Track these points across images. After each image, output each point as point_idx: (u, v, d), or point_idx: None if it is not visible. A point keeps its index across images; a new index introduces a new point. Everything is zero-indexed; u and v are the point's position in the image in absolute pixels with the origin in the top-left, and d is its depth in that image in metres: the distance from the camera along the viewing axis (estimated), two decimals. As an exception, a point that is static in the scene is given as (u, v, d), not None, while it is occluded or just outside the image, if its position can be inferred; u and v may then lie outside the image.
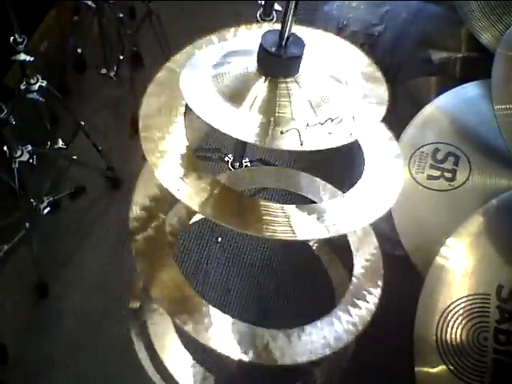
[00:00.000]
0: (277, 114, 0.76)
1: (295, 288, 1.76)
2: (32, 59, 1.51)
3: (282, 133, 0.74)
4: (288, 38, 0.74)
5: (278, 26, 0.76)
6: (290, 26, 0.73)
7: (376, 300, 0.99)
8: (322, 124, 0.76)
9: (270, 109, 0.76)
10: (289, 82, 0.77)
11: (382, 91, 0.83)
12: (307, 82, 0.78)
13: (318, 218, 0.81)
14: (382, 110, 0.81)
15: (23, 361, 1.62)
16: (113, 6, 1.98)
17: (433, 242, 1.16)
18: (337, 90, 0.81)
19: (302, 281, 1.75)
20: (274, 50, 0.74)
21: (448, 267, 1.10)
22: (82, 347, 1.65)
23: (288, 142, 0.74)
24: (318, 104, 0.78)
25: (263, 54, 0.75)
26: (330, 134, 0.76)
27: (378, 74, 0.86)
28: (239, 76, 0.78)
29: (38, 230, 1.75)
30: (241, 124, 0.75)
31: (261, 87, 0.77)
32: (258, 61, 0.77)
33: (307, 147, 0.75)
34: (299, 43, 0.76)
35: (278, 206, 0.80)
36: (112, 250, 1.82)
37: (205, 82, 0.78)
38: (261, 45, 0.75)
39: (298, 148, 0.74)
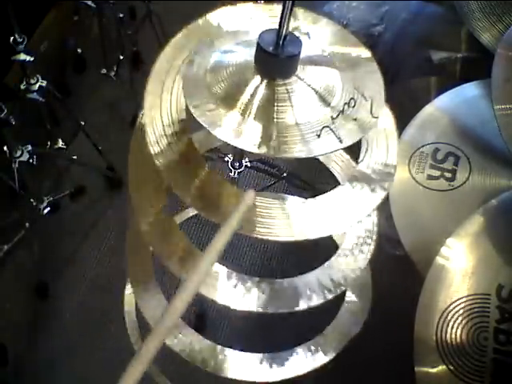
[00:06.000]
0: (276, 120, 0.74)
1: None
2: (32, 59, 1.51)
3: (318, 136, 0.73)
4: (285, 37, 0.74)
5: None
6: (288, 25, 0.72)
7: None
8: (342, 112, 0.75)
9: (269, 115, 0.75)
10: (287, 84, 0.76)
11: (372, 65, 0.82)
12: (305, 80, 0.78)
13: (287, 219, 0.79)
14: (381, 85, 0.80)
15: (23, 361, 1.62)
16: (113, 6, 1.98)
17: (433, 242, 1.16)
18: (334, 76, 0.80)
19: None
20: (271, 49, 0.74)
21: (448, 267, 1.10)
22: (81, 347, 1.66)
23: (326, 143, 0.73)
24: (321, 99, 0.77)
25: (261, 53, 0.75)
26: (355, 120, 0.75)
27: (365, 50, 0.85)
28: (237, 79, 0.78)
29: (38, 230, 1.75)
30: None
31: (260, 90, 0.76)
32: (256, 61, 0.77)
33: (346, 142, 0.73)
34: (296, 42, 0.75)
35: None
36: (112, 249, 1.82)
37: (204, 87, 0.77)
38: (258, 44, 0.75)
39: (339, 146, 0.72)
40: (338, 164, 1.11)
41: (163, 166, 0.78)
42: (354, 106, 0.76)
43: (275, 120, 0.74)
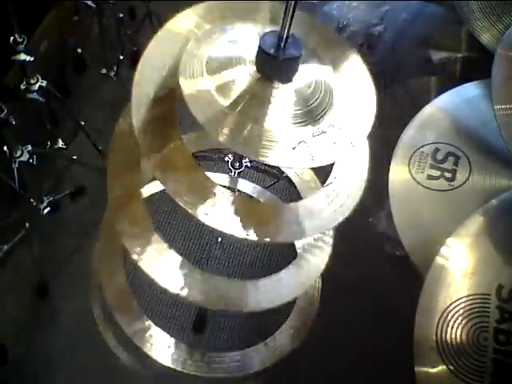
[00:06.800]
0: (265, 124, 0.75)
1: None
2: (32, 59, 1.51)
3: (293, 149, 0.73)
4: (287, 39, 0.73)
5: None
6: (289, 27, 0.72)
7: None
8: (325, 133, 0.76)
9: (262, 117, 0.75)
10: (284, 88, 0.76)
11: (367, 82, 0.83)
12: (300, 91, 0.78)
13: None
14: (373, 108, 0.80)
15: (23, 361, 1.62)
16: (113, 6, 1.98)
17: (433, 242, 1.16)
18: (329, 89, 0.80)
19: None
20: (272, 51, 0.74)
21: (448, 267, 1.10)
22: (81, 347, 1.65)
23: (298, 158, 0.73)
24: (310, 114, 0.77)
25: (262, 54, 0.75)
26: (334, 143, 0.75)
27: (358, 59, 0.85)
28: (237, 78, 0.78)
29: (38, 229, 1.75)
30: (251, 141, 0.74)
31: (257, 90, 0.76)
32: (256, 61, 0.77)
33: (317, 162, 0.73)
34: (298, 44, 0.75)
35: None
36: (112, 249, 1.82)
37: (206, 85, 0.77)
38: (259, 46, 0.74)
39: (310, 164, 0.73)
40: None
41: (138, 127, 0.79)
42: (338, 130, 0.76)
43: (262, 120, 0.74)
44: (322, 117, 0.77)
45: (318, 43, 0.85)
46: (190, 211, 0.78)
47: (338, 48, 0.87)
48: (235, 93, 0.76)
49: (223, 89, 0.76)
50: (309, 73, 0.80)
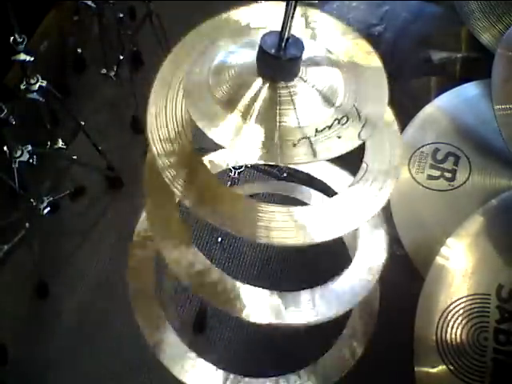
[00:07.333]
0: (278, 124, 0.73)
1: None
2: (32, 59, 1.51)
3: (294, 145, 0.71)
4: (288, 39, 0.73)
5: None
6: (290, 27, 0.72)
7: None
8: (329, 127, 0.74)
9: (271, 118, 0.73)
10: (290, 87, 0.75)
11: (379, 74, 0.81)
12: (308, 83, 0.77)
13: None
14: (385, 99, 0.78)
15: (23, 361, 1.62)
16: (113, 6, 1.98)
17: (433, 241, 1.16)
18: (337, 83, 0.79)
19: (302, 281, 1.75)
20: (273, 51, 0.73)
21: (448, 267, 1.10)
22: (81, 347, 1.66)
23: (300, 154, 0.71)
24: (323, 105, 0.76)
25: (263, 56, 0.74)
26: (339, 137, 0.72)
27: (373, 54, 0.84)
28: (239, 82, 0.77)
29: (38, 230, 1.75)
30: (248, 142, 0.72)
31: (262, 93, 0.75)
32: (258, 63, 0.76)
33: (321, 157, 0.71)
34: (299, 44, 0.75)
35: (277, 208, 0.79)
36: (112, 249, 1.82)
37: (207, 91, 0.76)
38: (260, 47, 0.74)
39: (312, 160, 0.71)
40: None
41: (165, 169, 0.79)
42: (344, 124, 0.74)
43: (278, 124, 0.73)
44: (327, 111, 0.75)
45: (329, 37, 0.83)
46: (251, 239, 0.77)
47: (349, 43, 0.86)
48: (240, 98, 0.75)
49: (227, 96, 0.75)
50: (318, 69, 0.79)
